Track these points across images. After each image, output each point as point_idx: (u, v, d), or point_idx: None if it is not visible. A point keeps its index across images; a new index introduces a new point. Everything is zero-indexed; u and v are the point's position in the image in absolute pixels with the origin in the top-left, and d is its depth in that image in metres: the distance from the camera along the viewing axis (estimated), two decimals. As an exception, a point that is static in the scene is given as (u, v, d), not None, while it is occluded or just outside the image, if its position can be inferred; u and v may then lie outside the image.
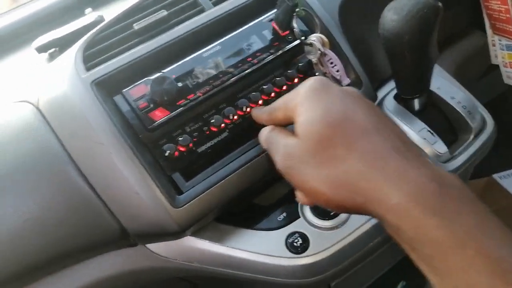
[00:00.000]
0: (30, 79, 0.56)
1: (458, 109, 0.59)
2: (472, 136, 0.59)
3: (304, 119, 0.37)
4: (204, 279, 0.59)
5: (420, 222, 0.31)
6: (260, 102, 0.51)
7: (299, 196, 0.42)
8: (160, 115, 0.48)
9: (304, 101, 0.38)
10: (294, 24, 0.53)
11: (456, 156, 0.57)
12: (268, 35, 0.54)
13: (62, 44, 0.59)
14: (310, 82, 0.40)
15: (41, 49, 0.60)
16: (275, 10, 0.54)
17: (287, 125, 0.42)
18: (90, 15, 0.62)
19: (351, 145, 0.35)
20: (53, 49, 0.61)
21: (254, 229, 0.49)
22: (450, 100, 0.60)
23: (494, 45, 0.76)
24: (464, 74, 0.77)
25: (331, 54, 0.52)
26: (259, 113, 0.47)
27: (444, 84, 0.61)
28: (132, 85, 0.49)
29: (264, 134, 0.44)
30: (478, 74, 0.86)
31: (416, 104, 0.57)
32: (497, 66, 0.78)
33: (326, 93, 0.38)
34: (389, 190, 0.33)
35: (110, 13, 0.58)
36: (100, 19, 0.61)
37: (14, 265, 0.46)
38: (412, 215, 0.31)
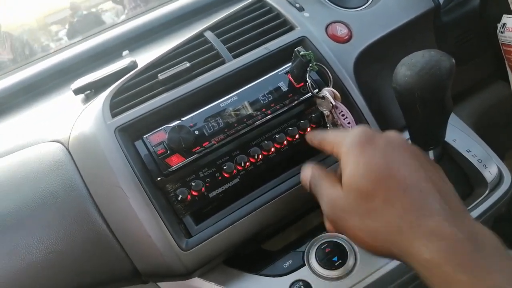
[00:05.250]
0: (65, 120, 0.61)
1: (473, 163, 0.59)
2: (487, 191, 0.58)
3: (348, 174, 0.40)
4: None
5: (450, 277, 0.33)
6: (273, 149, 0.54)
7: (327, 225, 0.45)
8: (176, 161, 0.51)
9: (349, 153, 0.41)
10: (308, 78, 0.55)
11: (469, 210, 0.56)
12: (284, 86, 0.56)
13: (97, 87, 0.65)
14: (355, 133, 0.42)
15: (78, 91, 0.66)
16: (290, 63, 0.57)
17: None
18: (124, 60, 0.68)
19: (390, 200, 0.37)
20: (88, 91, 0.66)
21: (260, 275, 0.51)
22: (465, 153, 0.60)
23: (518, 96, 0.75)
24: (488, 123, 0.76)
25: (342, 107, 0.54)
26: (312, 136, 0.50)
27: (460, 136, 0.61)
28: (152, 132, 0.52)
29: (308, 173, 0.46)
30: (505, 122, 0.85)
31: (431, 155, 0.57)
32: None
33: (370, 147, 0.40)
34: (421, 247, 0.35)
35: (146, 55, 0.62)
36: (133, 65, 0.66)
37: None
38: (442, 270, 0.34)
